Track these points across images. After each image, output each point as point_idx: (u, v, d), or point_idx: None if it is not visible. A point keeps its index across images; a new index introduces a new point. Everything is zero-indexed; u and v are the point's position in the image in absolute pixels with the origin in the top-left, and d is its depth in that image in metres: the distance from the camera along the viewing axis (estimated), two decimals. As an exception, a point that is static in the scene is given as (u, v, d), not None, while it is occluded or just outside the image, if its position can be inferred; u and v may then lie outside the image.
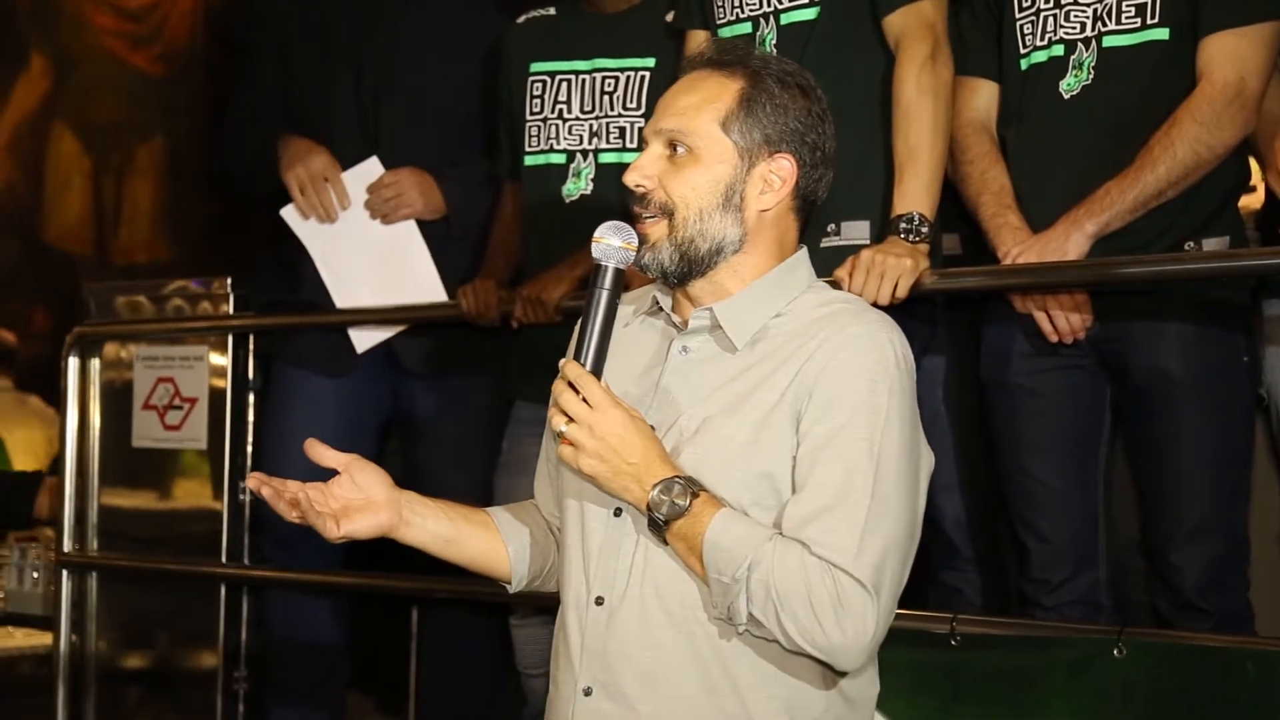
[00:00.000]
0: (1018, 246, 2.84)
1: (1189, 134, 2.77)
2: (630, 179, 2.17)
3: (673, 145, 2.16)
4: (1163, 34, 2.83)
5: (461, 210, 3.71)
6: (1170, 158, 2.77)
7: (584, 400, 2.07)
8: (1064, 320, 2.90)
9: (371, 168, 3.66)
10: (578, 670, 2.13)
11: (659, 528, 2.06)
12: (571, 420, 2.07)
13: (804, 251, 2.22)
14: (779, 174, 2.16)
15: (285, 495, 2.18)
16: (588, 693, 2.12)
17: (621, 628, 2.10)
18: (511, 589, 2.36)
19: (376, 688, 4.16)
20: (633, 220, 2.17)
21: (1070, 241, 2.81)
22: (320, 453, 2.25)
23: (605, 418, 2.06)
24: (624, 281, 2.14)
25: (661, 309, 2.22)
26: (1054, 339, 2.91)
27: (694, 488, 2.04)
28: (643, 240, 2.15)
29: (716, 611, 2.04)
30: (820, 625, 1.96)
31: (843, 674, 2.07)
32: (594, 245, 2.12)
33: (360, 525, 2.22)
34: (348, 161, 3.67)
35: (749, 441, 2.07)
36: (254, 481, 2.22)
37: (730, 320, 2.15)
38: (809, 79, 2.21)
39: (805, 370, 2.07)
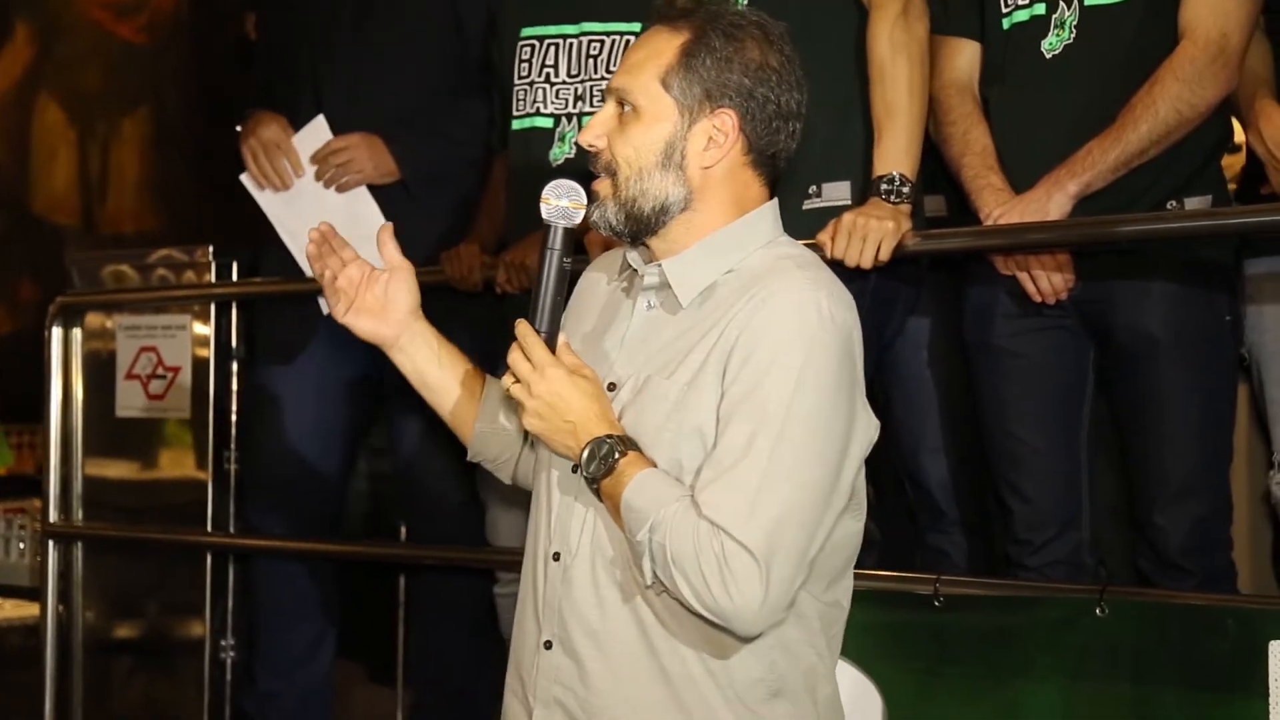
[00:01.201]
0: (999, 207, 2.84)
1: (1171, 92, 2.76)
2: (583, 139, 2.18)
3: (621, 103, 2.15)
4: None
5: (415, 170, 3.69)
6: (1152, 116, 2.76)
7: (528, 359, 2.09)
8: (1046, 281, 2.90)
9: (318, 127, 3.65)
10: (540, 623, 2.15)
11: (591, 485, 2.08)
12: (517, 380, 2.10)
13: (770, 205, 2.20)
14: (722, 129, 2.13)
15: (331, 254, 2.33)
16: (548, 645, 2.15)
17: (574, 584, 2.13)
18: (468, 458, 2.44)
19: (364, 656, 4.18)
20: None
21: (1052, 201, 2.80)
22: (385, 241, 2.33)
23: (544, 377, 2.08)
24: (574, 240, 2.14)
25: (630, 265, 2.22)
26: (1037, 299, 2.90)
27: (624, 446, 2.06)
28: (593, 197, 2.16)
29: (635, 571, 2.06)
30: (709, 589, 1.96)
31: (752, 639, 2.05)
32: (542, 206, 2.13)
33: (362, 325, 2.32)
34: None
35: (679, 401, 2.08)
36: (316, 235, 2.34)
37: (677, 276, 2.15)
38: (768, 30, 2.16)
39: (730, 326, 2.06)
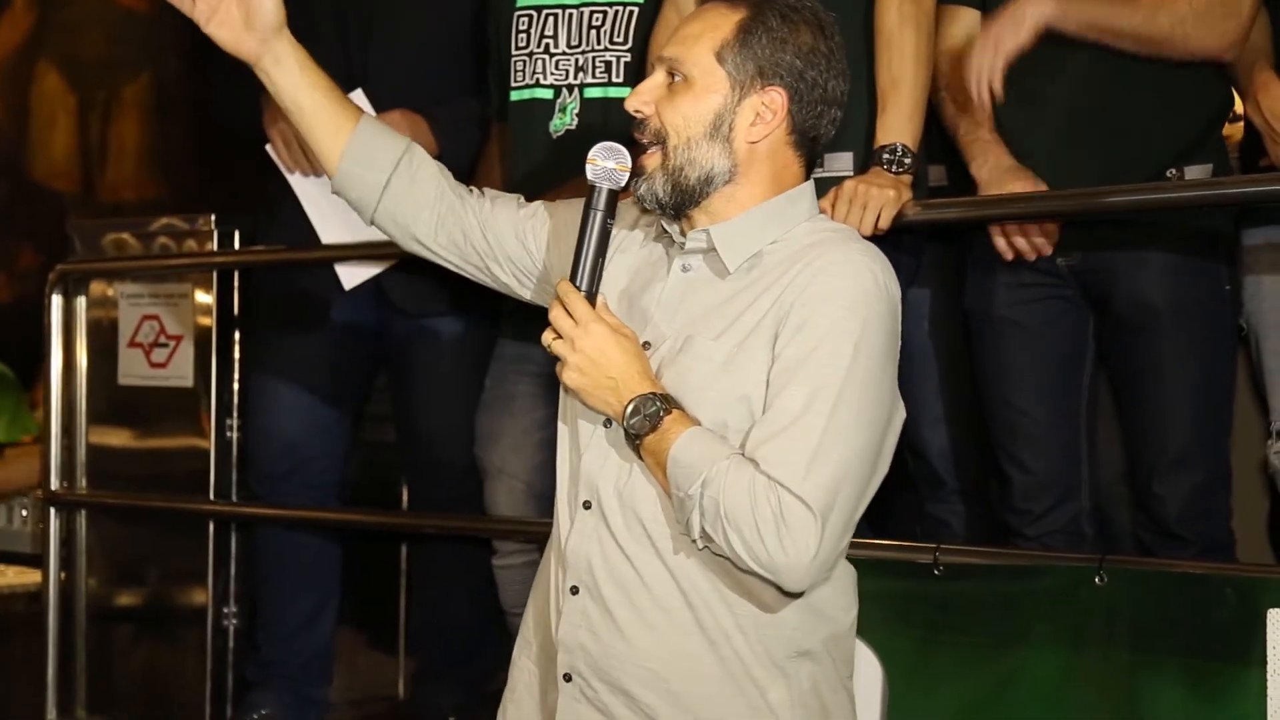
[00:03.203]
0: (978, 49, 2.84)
1: (1179, 10, 2.78)
2: (630, 104, 2.20)
3: (671, 73, 2.18)
4: None
5: (452, 150, 3.68)
6: (1149, 16, 2.78)
7: (571, 316, 2.11)
8: (1023, 241, 2.92)
9: (357, 101, 3.64)
10: (567, 567, 2.18)
11: (633, 441, 2.10)
12: (559, 336, 2.12)
13: (809, 185, 2.23)
14: (770, 106, 2.16)
15: None
16: (574, 590, 2.16)
17: (605, 533, 2.15)
18: (331, 190, 2.45)
19: (366, 624, 4.19)
20: (633, 144, 2.19)
21: (1027, 14, 2.81)
22: None
23: (588, 333, 2.10)
24: (616, 202, 2.16)
25: (665, 230, 2.23)
26: (1009, 257, 2.93)
27: (668, 405, 2.07)
28: (639, 172, 2.18)
29: (679, 527, 2.08)
30: (763, 543, 1.98)
31: (796, 594, 2.08)
32: (588, 167, 2.15)
33: (224, 36, 2.29)
34: None
35: (726, 362, 2.10)
36: None
37: (725, 243, 2.17)
38: (821, 16, 2.20)
39: (785, 294, 2.08)
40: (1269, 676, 2.45)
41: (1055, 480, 2.99)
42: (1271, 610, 2.45)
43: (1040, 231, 2.91)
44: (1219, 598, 2.53)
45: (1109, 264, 2.91)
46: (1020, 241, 2.92)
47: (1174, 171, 2.85)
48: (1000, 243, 2.94)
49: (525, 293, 2.45)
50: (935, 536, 3.12)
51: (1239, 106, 3.07)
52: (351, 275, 3.66)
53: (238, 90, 3.74)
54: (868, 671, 2.60)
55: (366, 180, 2.38)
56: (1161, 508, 2.90)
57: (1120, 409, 3.02)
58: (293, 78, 2.33)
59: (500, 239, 2.41)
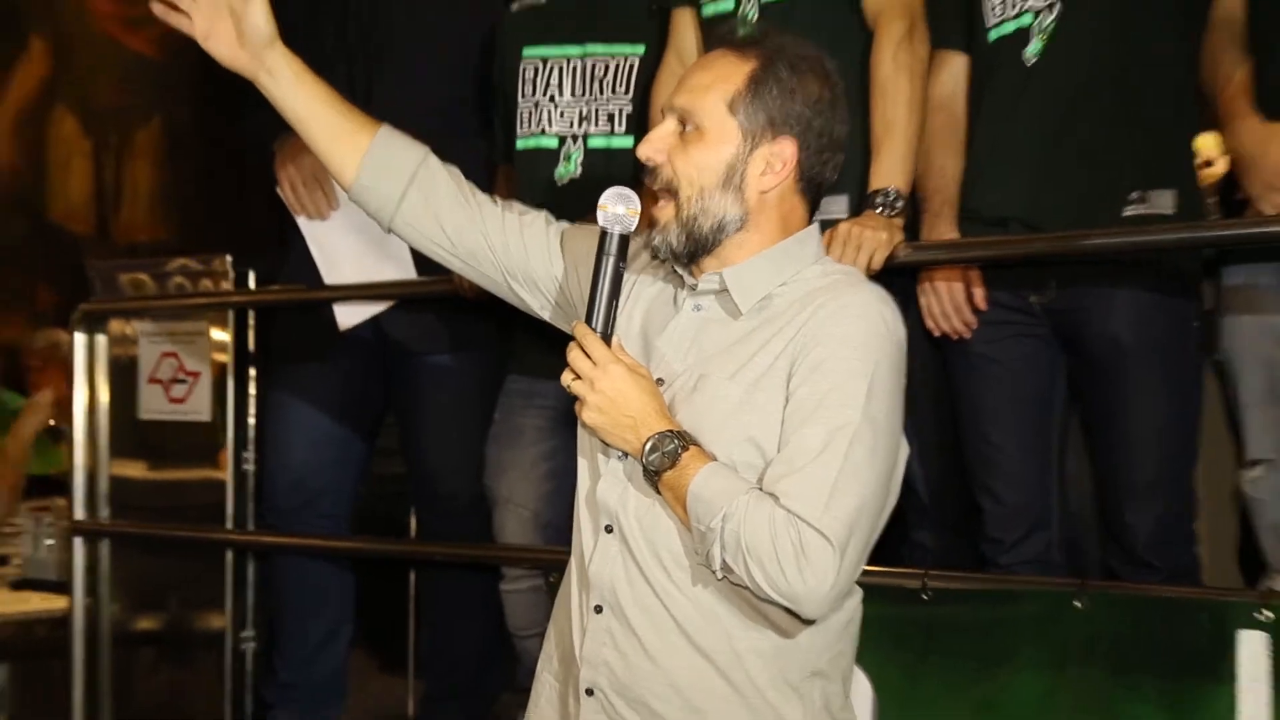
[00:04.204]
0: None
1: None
2: (642, 152, 2.19)
3: (683, 122, 2.17)
4: None
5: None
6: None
7: (589, 357, 2.11)
8: (947, 325, 3.01)
9: None
10: (590, 587, 2.18)
11: (651, 477, 2.08)
12: (578, 376, 2.11)
13: (814, 227, 2.23)
14: (781, 156, 2.15)
15: None
16: (598, 610, 2.16)
17: (628, 558, 2.15)
18: (350, 198, 2.39)
19: (377, 648, 4.20)
20: (641, 189, 2.18)
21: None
22: None
23: (606, 373, 2.10)
24: (627, 245, 2.15)
25: (675, 270, 2.23)
26: (936, 334, 3.02)
27: (685, 442, 2.06)
28: (652, 223, 2.18)
29: (698, 558, 2.07)
30: (784, 574, 1.97)
31: (810, 621, 2.09)
32: (599, 213, 2.14)
33: (221, 52, 2.28)
34: None
35: (741, 402, 2.09)
36: None
37: (737, 285, 2.16)
38: (826, 65, 2.19)
39: (800, 336, 2.08)
40: (1239, 694, 2.46)
41: (1027, 511, 3.00)
42: (1241, 631, 2.46)
43: (962, 318, 2.98)
44: (1192, 620, 2.53)
45: (1080, 303, 2.90)
46: (945, 324, 2.99)
47: (1138, 194, 2.83)
48: (929, 323, 3.00)
49: (544, 312, 2.42)
50: (921, 562, 3.10)
51: (1210, 147, 3.09)
52: (347, 316, 3.67)
53: (259, 138, 3.79)
54: (859, 692, 2.63)
55: (381, 192, 2.34)
56: (1131, 536, 2.90)
57: (1090, 443, 3.02)
58: (290, 88, 2.29)
59: (528, 259, 2.37)
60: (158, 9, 2.27)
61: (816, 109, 2.16)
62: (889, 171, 2.87)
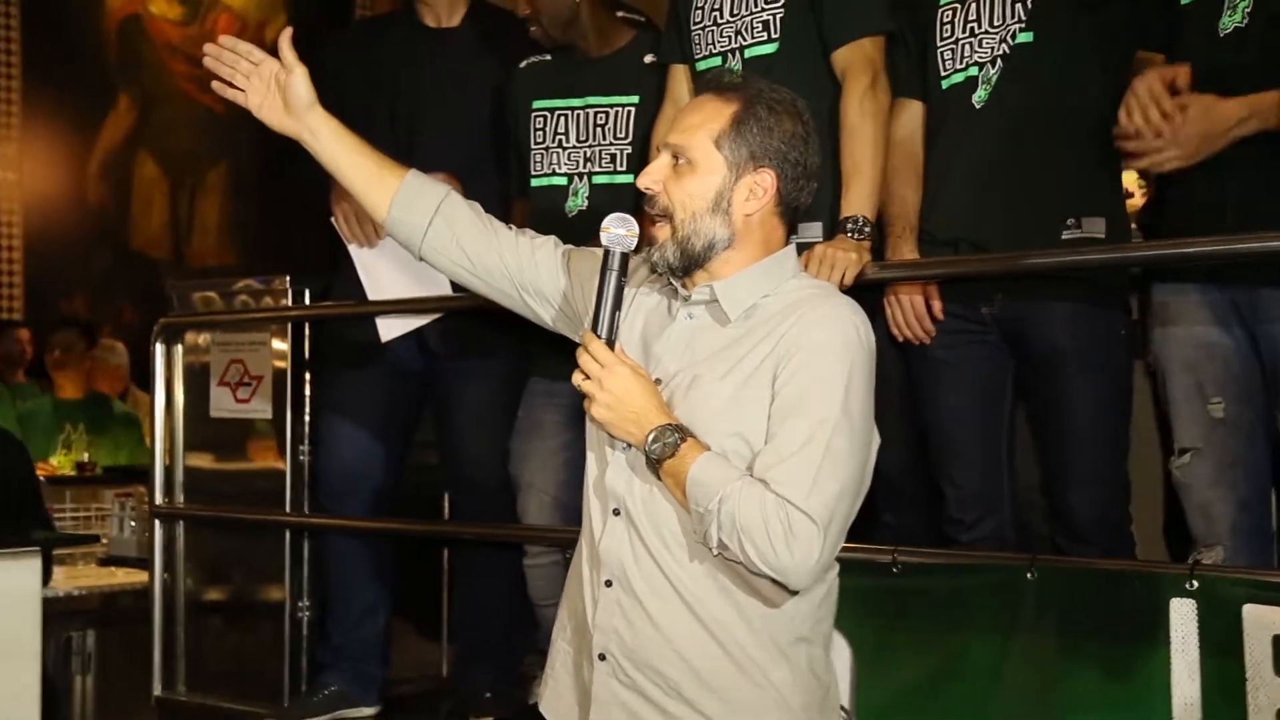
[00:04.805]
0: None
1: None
2: (641, 182, 2.18)
3: (676, 157, 2.15)
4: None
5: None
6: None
7: (596, 360, 2.09)
8: (909, 331, 2.97)
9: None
10: (600, 564, 2.15)
11: (653, 465, 2.07)
12: (587, 377, 2.09)
13: (792, 247, 2.22)
14: (762, 185, 2.14)
15: (237, 60, 2.30)
16: (608, 584, 2.14)
17: (635, 538, 2.12)
18: (385, 229, 2.39)
19: (415, 616, 4.16)
20: (641, 214, 2.17)
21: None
22: (284, 47, 2.30)
23: (612, 375, 2.08)
24: (627, 262, 2.14)
25: (671, 283, 2.22)
26: (899, 339, 2.99)
27: (682, 434, 2.05)
28: (651, 241, 2.16)
29: (696, 536, 2.05)
30: (774, 550, 1.97)
31: (795, 592, 2.07)
32: (603, 235, 2.13)
33: (273, 119, 2.31)
34: None
35: (730, 400, 2.07)
36: (214, 50, 2.32)
37: (726, 296, 2.14)
38: (799, 105, 2.19)
39: (783, 342, 2.06)
40: (1172, 656, 2.44)
41: (983, 496, 2.97)
42: (1173, 599, 2.44)
43: (923, 326, 2.96)
44: (1128, 590, 2.51)
45: (1024, 313, 2.89)
46: (908, 331, 2.97)
47: (1073, 220, 2.82)
48: (894, 331, 2.97)
49: (551, 321, 2.41)
50: (891, 541, 3.06)
51: (1131, 183, 3.05)
52: (388, 329, 3.65)
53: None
54: (838, 653, 2.59)
55: (410, 223, 2.34)
56: (1073, 516, 2.88)
57: (1036, 435, 3.00)
58: (329, 145, 2.31)
59: (538, 277, 2.36)
60: (218, 87, 2.30)
61: (792, 144, 2.15)
62: (857, 201, 2.86)
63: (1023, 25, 2.85)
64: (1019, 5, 2.86)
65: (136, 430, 5.91)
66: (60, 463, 5.56)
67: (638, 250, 2.18)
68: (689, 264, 2.15)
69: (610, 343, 2.11)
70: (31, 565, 2.93)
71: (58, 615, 4.18)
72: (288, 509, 3.83)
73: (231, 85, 2.30)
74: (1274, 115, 2.56)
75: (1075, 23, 2.79)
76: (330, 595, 3.78)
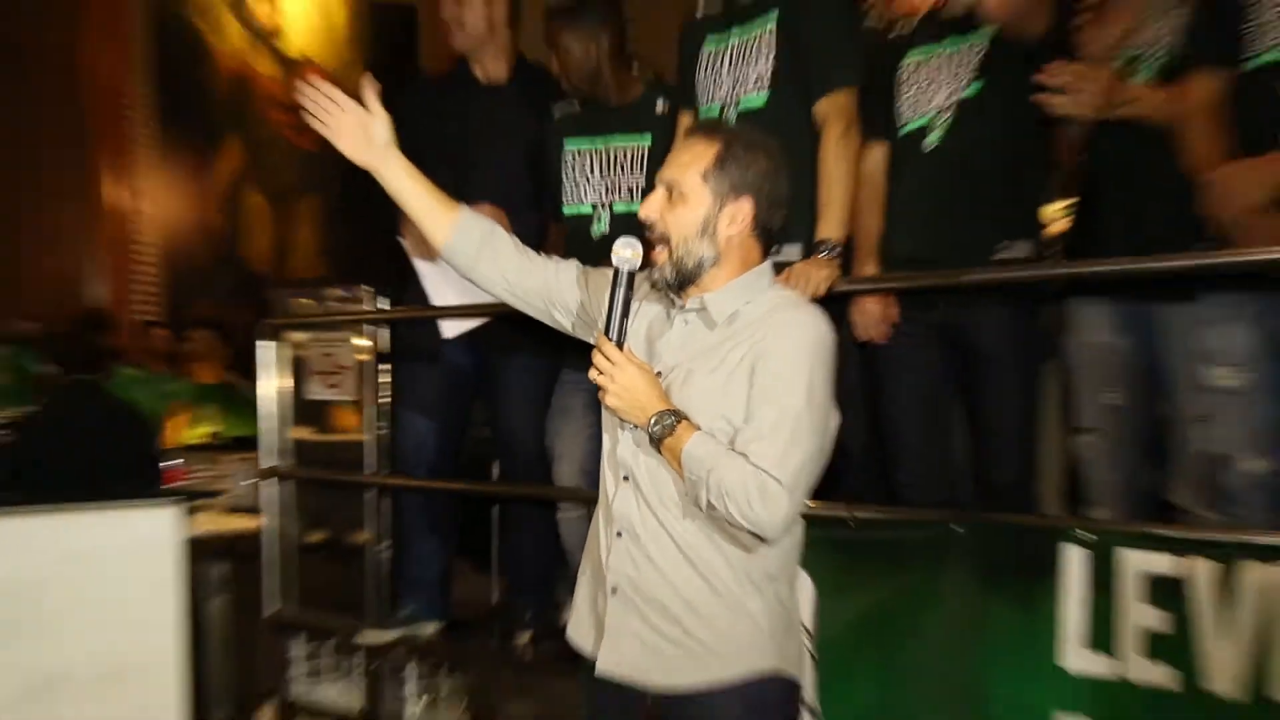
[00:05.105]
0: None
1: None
2: (642, 213, 2.17)
3: (670, 190, 2.15)
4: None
5: (520, 234, 3.64)
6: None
7: (609, 359, 2.10)
8: (873, 333, 2.96)
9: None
10: (612, 520, 2.16)
11: (655, 442, 2.08)
12: (601, 372, 2.10)
13: (769, 262, 2.21)
14: (742, 211, 2.13)
15: (320, 95, 2.20)
16: (619, 535, 2.15)
17: (640, 499, 2.14)
18: (442, 254, 2.33)
19: (470, 557, 4.17)
20: (645, 238, 2.16)
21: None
22: (369, 94, 2.22)
23: (621, 370, 2.09)
24: (634, 278, 2.14)
25: (669, 295, 2.22)
26: (863, 338, 2.97)
27: (679, 417, 2.06)
28: (652, 263, 2.16)
29: (689, 499, 2.07)
30: (751, 508, 1.98)
31: (767, 541, 2.09)
32: (613, 255, 2.12)
33: (346, 147, 2.23)
34: None
35: (718, 389, 2.08)
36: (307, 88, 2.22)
37: (714, 305, 2.15)
38: (770, 145, 2.17)
39: (760, 343, 2.07)
40: (1065, 590, 2.47)
41: (926, 470, 2.99)
42: (1066, 545, 2.46)
43: (881, 330, 2.95)
44: (1035, 540, 2.54)
45: (963, 321, 2.89)
46: (872, 333, 2.95)
47: (1005, 242, 2.80)
48: (858, 334, 2.97)
49: (570, 328, 2.39)
50: (850, 500, 3.07)
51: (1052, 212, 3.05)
52: (449, 328, 3.66)
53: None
54: (804, 587, 2.63)
55: (465, 252, 2.32)
56: (995, 483, 2.90)
57: (971, 420, 3.01)
58: (400, 182, 2.27)
59: (562, 293, 2.35)
60: (310, 120, 2.26)
61: (766, 177, 2.14)
62: (830, 227, 2.85)
63: (975, 75, 2.84)
64: (971, 62, 2.84)
65: (255, 410, 5.89)
66: (199, 434, 5.61)
67: (642, 268, 2.18)
68: (683, 281, 2.15)
69: (620, 344, 2.12)
70: (175, 513, 2.97)
71: (194, 552, 4.19)
72: (369, 471, 3.86)
73: (324, 123, 2.25)
74: (1150, 108, 2.54)
75: (1020, 76, 2.75)
76: (404, 539, 3.81)
